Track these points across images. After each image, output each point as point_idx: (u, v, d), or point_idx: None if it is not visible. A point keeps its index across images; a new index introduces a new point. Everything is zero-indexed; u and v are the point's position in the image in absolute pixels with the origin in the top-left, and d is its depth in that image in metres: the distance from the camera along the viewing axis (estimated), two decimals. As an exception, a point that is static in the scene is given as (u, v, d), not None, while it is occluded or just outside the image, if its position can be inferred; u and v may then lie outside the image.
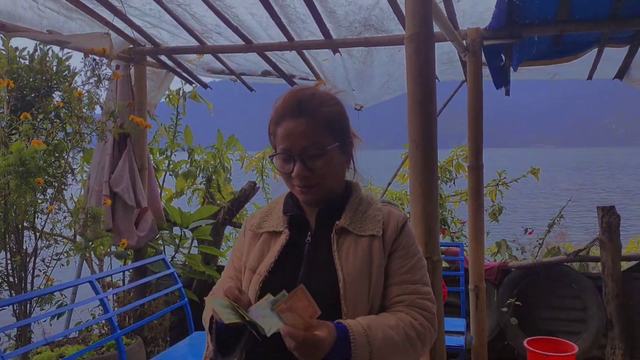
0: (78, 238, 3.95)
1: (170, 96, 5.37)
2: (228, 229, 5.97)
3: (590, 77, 4.18)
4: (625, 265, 4.23)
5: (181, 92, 5.33)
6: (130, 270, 4.36)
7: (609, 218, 3.94)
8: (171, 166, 5.34)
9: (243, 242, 1.53)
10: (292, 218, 1.47)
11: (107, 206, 3.90)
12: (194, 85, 5.09)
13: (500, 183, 5.53)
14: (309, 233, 1.44)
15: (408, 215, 1.70)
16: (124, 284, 4.46)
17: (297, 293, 1.17)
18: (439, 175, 5.75)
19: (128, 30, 3.95)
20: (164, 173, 5.37)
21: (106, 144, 4.03)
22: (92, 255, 4.60)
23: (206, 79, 5.06)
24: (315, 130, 1.38)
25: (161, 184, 5.42)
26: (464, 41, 3.54)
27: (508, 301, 4.18)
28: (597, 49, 3.69)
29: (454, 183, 5.88)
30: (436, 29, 3.11)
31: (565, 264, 4.23)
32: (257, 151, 6.38)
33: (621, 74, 4.02)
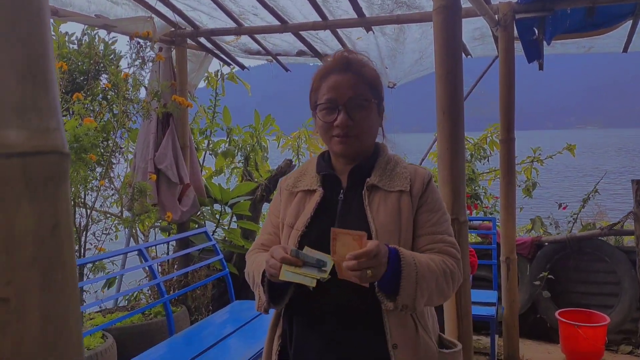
0: (125, 214, 4.21)
1: (209, 78, 5.56)
2: (265, 206, 6.17)
3: (625, 50, 4.14)
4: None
5: (219, 73, 5.50)
6: (174, 242, 4.61)
7: (644, 191, 3.92)
8: (211, 145, 5.55)
9: (279, 201, 1.64)
10: (325, 177, 1.57)
11: (152, 182, 4.12)
12: (231, 67, 5.25)
13: (535, 160, 5.52)
14: (341, 190, 1.54)
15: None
16: (167, 254, 4.71)
17: (334, 237, 1.32)
18: (474, 152, 5.78)
19: (169, 14, 4.12)
20: (203, 152, 5.58)
21: (150, 123, 4.25)
22: (138, 231, 4.87)
23: (244, 61, 5.22)
24: (359, 84, 1.49)
25: (201, 163, 5.64)
26: (496, 15, 3.58)
27: (541, 275, 4.23)
28: (631, 20, 3.66)
29: (487, 160, 5.91)
30: (467, 4, 3.18)
31: (600, 238, 4.24)
32: (293, 131, 6.53)
33: (658, 46, 3.97)
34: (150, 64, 4.04)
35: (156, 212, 4.21)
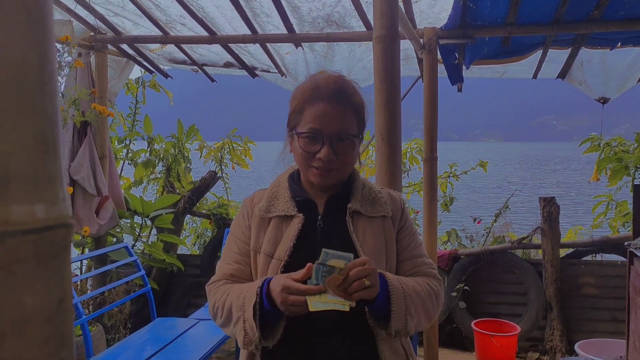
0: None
1: (129, 85, 5.35)
2: (187, 218, 6.01)
3: (535, 77, 4.47)
4: (563, 252, 4.58)
5: (140, 80, 5.31)
6: (89, 258, 4.37)
7: (550, 208, 4.25)
8: (130, 155, 5.33)
9: (246, 226, 1.52)
10: (301, 202, 1.49)
11: (68, 194, 3.88)
12: (153, 74, 5.09)
13: (451, 175, 5.80)
14: (319, 216, 1.48)
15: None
16: (80, 273, 4.45)
17: (316, 270, 1.27)
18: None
19: (90, 18, 3.93)
20: (122, 162, 5.35)
21: (67, 131, 4.01)
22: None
23: (167, 68, 5.07)
24: (347, 117, 1.42)
25: (120, 173, 5.40)
26: (421, 40, 3.73)
27: (457, 286, 4.44)
28: (541, 50, 3.96)
29: (407, 175, 6.13)
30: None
31: (510, 251, 4.52)
32: (215, 141, 6.41)
33: (563, 74, 4.32)
34: (68, 69, 3.83)
35: (71, 226, 3.97)
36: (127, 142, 5.30)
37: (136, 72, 5.32)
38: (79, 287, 4.28)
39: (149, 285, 3.82)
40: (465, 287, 4.44)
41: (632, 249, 3.15)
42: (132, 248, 4.67)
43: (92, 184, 4.10)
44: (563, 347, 4.14)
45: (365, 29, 3.81)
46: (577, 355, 3.71)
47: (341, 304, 1.25)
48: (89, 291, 4.27)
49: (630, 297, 3.00)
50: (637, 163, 4.42)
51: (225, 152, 6.30)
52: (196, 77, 4.99)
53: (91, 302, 4.13)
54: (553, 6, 3.38)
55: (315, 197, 1.51)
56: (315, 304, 1.24)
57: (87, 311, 4.06)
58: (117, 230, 4.65)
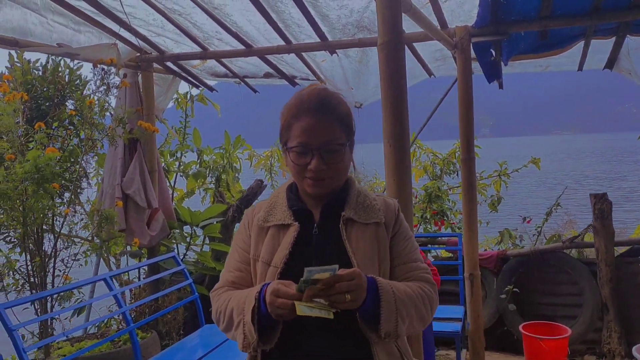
0: (95, 239, 4.20)
1: (179, 100, 5.59)
2: (237, 227, 6.19)
3: (580, 69, 4.28)
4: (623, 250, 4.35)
5: (189, 95, 5.54)
6: (145, 267, 4.61)
7: (601, 205, 4.05)
8: (181, 167, 5.56)
9: (247, 235, 1.58)
10: (297, 211, 1.54)
11: (119, 208, 4.12)
12: (200, 88, 5.29)
13: (501, 173, 5.64)
14: (314, 225, 1.53)
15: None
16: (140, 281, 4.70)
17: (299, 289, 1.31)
18: (443, 167, 5.89)
19: (134, 40, 4.15)
20: (175, 174, 5.60)
21: (117, 148, 4.26)
22: (110, 255, 4.85)
23: (212, 82, 5.26)
24: (333, 128, 1.48)
25: (173, 185, 5.65)
26: (453, 39, 3.68)
27: (506, 288, 4.32)
28: (583, 41, 3.80)
29: (457, 175, 6.02)
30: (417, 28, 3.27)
31: (562, 250, 4.34)
32: (265, 149, 6.57)
33: (610, 64, 4.11)
34: (115, 90, 4.06)
35: (124, 238, 4.21)
36: (179, 155, 5.54)
37: (185, 86, 5.55)
38: (134, 295, 4.53)
39: (196, 293, 3.97)
40: (515, 289, 4.31)
41: (683, 247, 2.96)
42: (184, 257, 4.89)
43: (143, 197, 4.31)
44: (622, 350, 3.93)
45: (396, 32, 3.80)
46: (635, 359, 3.52)
47: (326, 311, 1.29)
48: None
49: None
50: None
51: (274, 159, 6.45)
52: (240, 88, 5.15)
53: (146, 309, 4.34)
54: (588, -6, 3.24)
55: (311, 206, 1.57)
56: (303, 308, 1.28)
57: (143, 317, 4.28)
58: (172, 240, 4.87)
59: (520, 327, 3.99)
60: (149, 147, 4.44)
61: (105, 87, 3.98)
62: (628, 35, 3.69)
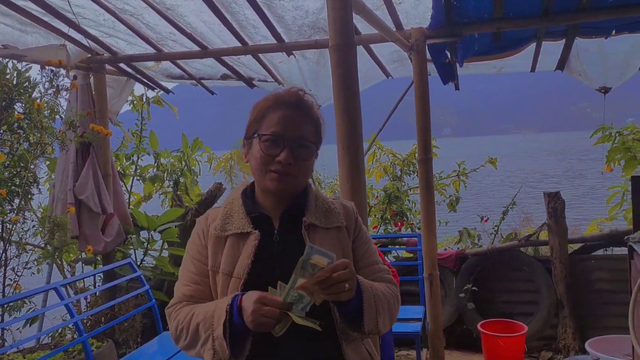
0: (47, 246, 4.05)
1: (134, 102, 5.46)
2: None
3: (533, 70, 4.37)
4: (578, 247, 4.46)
5: (144, 97, 5.42)
6: (101, 274, 4.48)
7: (555, 203, 4.15)
8: (138, 171, 5.43)
9: (202, 245, 1.51)
10: (256, 218, 1.49)
11: (72, 214, 3.99)
12: (156, 90, 5.18)
13: (460, 173, 5.72)
14: (274, 231, 1.48)
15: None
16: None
17: (302, 267, 1.28)
18: (403, 167, 5.93)
19: (84, 41, 4.03)
20: (131, 178, 5.46)
21: (68, 152, 4.12)
22: (64, 263, 4.70)
23: (168, 84, 5.16)
24: (308, 125, 1.47)
25: (129, 189, 5.51)
26: (410, 40, 3.70)
27: (465, 287, 4.38)
28: (535, 43, 3.88)
29: (417, 175, 6.07)
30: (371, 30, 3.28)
31: (519, 248, 4.43)
32: (224, 151, 6.49)
33: (561, 65, 4.21)
34: (65, 92, 3.93)
35: (77, 245, 4.08)
36: (135, 159, 5.41)
37: (141, 88, 5.42)
38: (90, 303, 4.39)
39: (153, 300, 3.87)
40: (474, 288, 4.37)
41: (631, 243, 3.05)
42: (142, 263, 4.77)
43: (97, 202, 4.19)
44: (576, 345, 4.03)
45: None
46: (587, 353, 3.60)
47: (311, 323, 1.29)
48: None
49: (632, 292, 2.90)
50: (645, 152, 4.27)
51: (234, 162, 6.37)
52: (197, 90, 5.06)
53: (102, 318, 4.21)
54: (538, -3, 3.31)
55: (270, 211, 1.51)
56: (297, 318, 1.27)
57: (99, 326, 4.15)
58: (128, 245, 4.75)
59: (478, 326, 4.04)
60: (103, 151, 4.32)
61: (54, 90, 3.86)
62: (577, 38, 3.79)
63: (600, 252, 4.37)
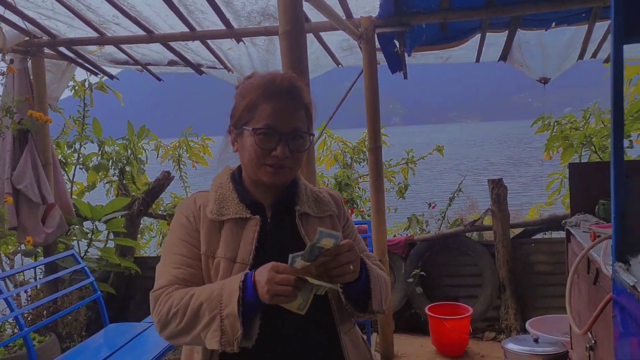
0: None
1: (77, 87, 5.25)
2: (149, 220, 5.96)
3: (478, 60, 4.49)
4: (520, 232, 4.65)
5: (87, 83, 5.21)
6: (43, 267, 4.31)
7: (498, 190, 4.30)
8: (81, 159, 5.24)
9: (193, 228, 1.45)
10: (249, 205, 1.47)
11: (9, 205, 3.81)
12: (100, 76, 5.00)
13: (409, 161, 5.83)
14: (268, 219, 1.47)
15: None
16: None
17: (310, 251, 1.26)
18: (353, 155, 5.99)
19: (22, 23, 3.83)
20: (74, 167, 5.27)
21: (5, 140, 3.94)
22: (2, 254, 4.50)
23: (112, 70, 4.99)
24: (302, 116, 1.43)
25: (72, 178, 5.32)
26: (359, 29, 3.72)
27: (413, 272, 4.48)
28: (480, 34, 3.98)
29: (367, 163, 6.14)
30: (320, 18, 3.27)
31: (464, 234, 4.56)
32: (172, 139, 6.35)
33: (504, 56, 4.34)
34: (1, 77, 3.74)
35: (15, 236, 3.91)
36: (78, 147, 5.21)
37: (83, 74, 5.21)
38: (30, 296, 4.23)
39: (98, 292, 3.77)
40: (422, 273, 4.48)
41: (568, 227, 3.20)
42: (86, 254, 4.62)
43: (37, 192, 4.02)
44: (518, 325, 4.21)
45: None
46: (528, 332, 3.77)
47: (330, 285, 1.27)
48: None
49: (569, 273, 3.05)
50: (581, 140, 4.48)
51: (183, 150, 6.24)
52: (143, 76, 4.92)
53: (44, 311, 4.07)
54: (483, -11, 3.40)
55: (260, 198, 1.49)
56: (311, 280, 1.24)
57: (41, 320, 4.01)
58: (72, 237, 4.59)
59: (426, 309, 4.15)
60: (42, 138, 4.14)
61: (-12, 74, 3.67)
62: (519, 29, 3.91)
63: (539, 236, 4.57)
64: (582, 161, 4.69)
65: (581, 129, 5.02)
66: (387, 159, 5.91)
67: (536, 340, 3.20)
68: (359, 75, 4.48)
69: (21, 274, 4.59)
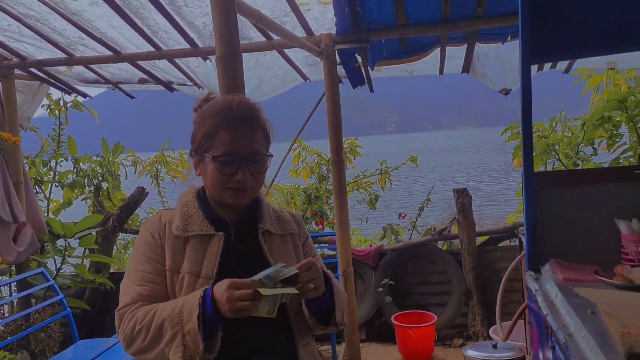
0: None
1: (52, 106, 5.33)
2: (127, 236, 6.01)
3: (441, 73, 4.59)
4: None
5: (62, 102, 5.29)
6: (15, 285, 4.36)
7: (463, 199, 4.39)
8: (57, 177, 5.31)
9: (158, 245, 1.50)
10: (214, 221, 1.52)
11: (-21, 224, 3.87)
12: (74, 94, 5.08)
13: (382, 172, 5.91)
14: (232, 235, 1.52)
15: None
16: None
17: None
18: (329, 167, 6.06)
19: (-10, 46, 3.92)
20: (50, 184, 5.34)
21: (-25, 161, 4.00)
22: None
23: (85, 88, 5.06)
24: (260, 138, 1.49)
25: (48, 196, 5.38)
26: (320, 46, 3.81)
27: (383, 281, 4.55)
28: (439, 48, 4.08)
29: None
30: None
31: (432, 243, 4.65)
32: (149, 154, 6.42)
33: (466, 68, 4.45)
34: (-30, 99, 3.81)
35: (-13, 255, 3.96)
36: (53, 165, 5.28)
37: (58, 93, 5.29)
38: (4, 314, 4.27)
39: (68, 309, 3.82)
40: (391, 282, 4.55)
41: (520, 235, 3.28)
42: (59, 271, 4.67)
43: (7, 211, 4.07)
44: (484, 331, 4.28)
45: (265, 39, 3.88)
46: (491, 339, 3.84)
47: (288, 290, 1.33)
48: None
49: (501, 283, 3.11)
50: (543, 149, 4.57)
51: (161, 165, 6.32)
52: (116, 94, 5.00)
53: (15, 329, 4.11)
54: (437, 6, 3.50)
55: (225, 216, 1.55)
56: (268, 291, 1.29)
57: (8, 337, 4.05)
58: (46, 254, 4.64)
59: (392, 318, 4.22)
60: (13, 158, 4.21)
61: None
62: (477, 43, 4.01)
63: (506, 243, 4.65)
64: (546, 169, 4.78)
65: (550, 137, 5.12)
66: (394, 165, 6.01)
67: (495, 346, 3.28)
68: (323, 95, 4.58)
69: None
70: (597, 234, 1.71)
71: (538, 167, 4.99)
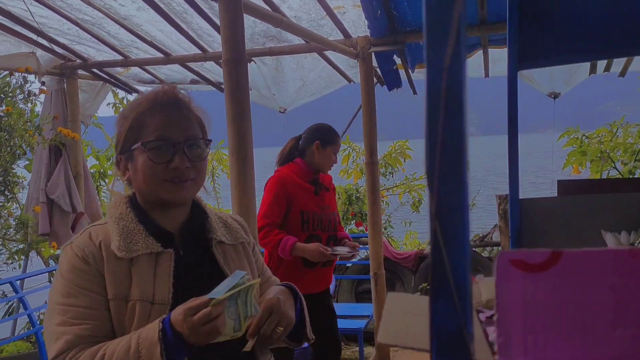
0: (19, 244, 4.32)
1: (117, 104, 5.70)
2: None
3: (487, 75, 4.46)
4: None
5: (125, 100, 5.65)
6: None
7: (505, 205, 4.23)
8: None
9: (94, 272, 1.25)
10: (158, 235, 1.33)
11: (40, 212, 4.24)
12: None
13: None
14: (179, 249, 1.36)
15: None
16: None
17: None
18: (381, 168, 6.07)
19: (57, 48, 4.26)
20: (113, 178, 5.71)
21: (42, 154, 4.37)
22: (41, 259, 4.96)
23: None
24: (194, 124, 1.36)
25: (111, 189, 5.76)
26: (357, 49, 3.84)
27: (421, 285, 4.50)
28: (481, 50, 3.98)
29: (392, 176, 6.21)
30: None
31: (473, 249, 4.53)
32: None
33: (514, 71, 4.29)
34: (36, 97, 4.17)
35: (48, 242, 4.33)
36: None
37: (122, 92, 5.64)
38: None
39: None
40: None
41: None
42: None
43: (68, 201, 4.43)
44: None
45: (303, 42, 3.95)
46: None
47: (248, 283, 1.21)
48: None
49: None
50: (595, 155, 4.33)
51: (217, 162, 6.58)
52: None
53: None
54: (474, 8, 3.42)
55: (168, 226, 1.37)
56: (223, 296, 1.15)
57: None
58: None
59: (424, 323, 4.17)
60: (74, 152, 4.56)
61: (24, 95, 4.11)
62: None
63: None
64: (602, 177, 4.54)
65: (611, 143, 4.84)
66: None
67: None
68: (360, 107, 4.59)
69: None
70: (584, 247, 1.63)
71: (594, 175, 4.74)
